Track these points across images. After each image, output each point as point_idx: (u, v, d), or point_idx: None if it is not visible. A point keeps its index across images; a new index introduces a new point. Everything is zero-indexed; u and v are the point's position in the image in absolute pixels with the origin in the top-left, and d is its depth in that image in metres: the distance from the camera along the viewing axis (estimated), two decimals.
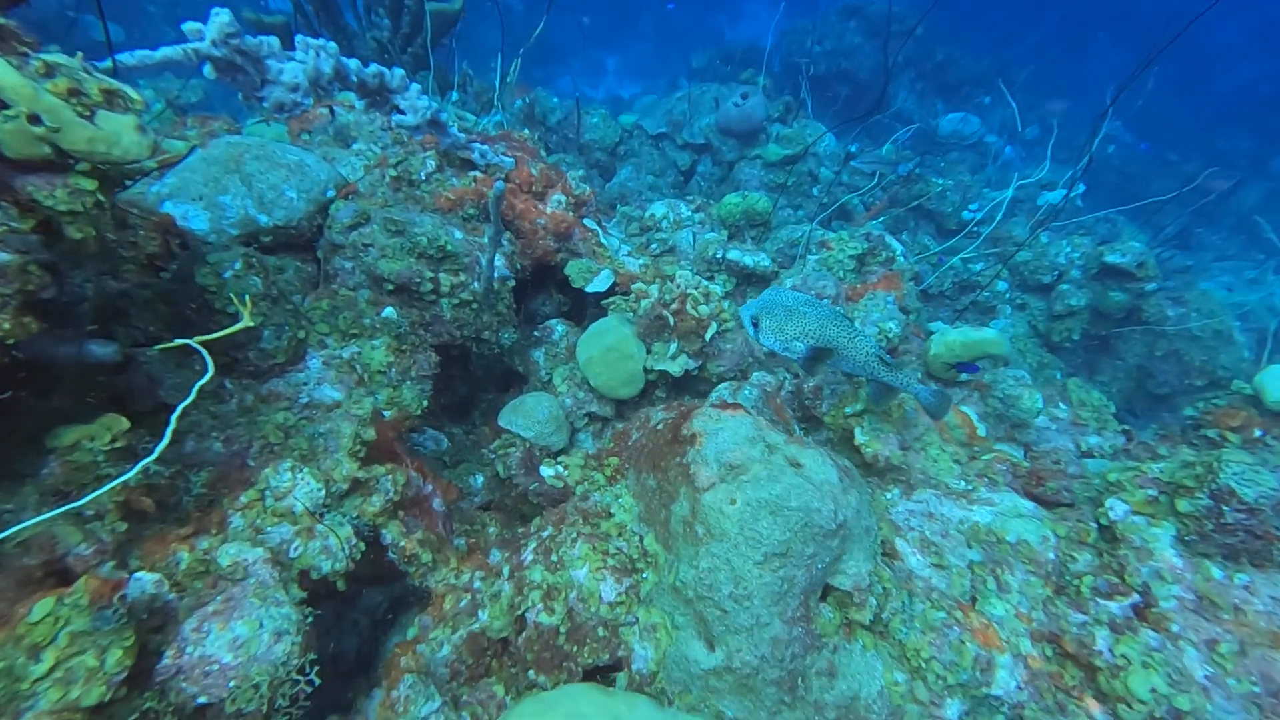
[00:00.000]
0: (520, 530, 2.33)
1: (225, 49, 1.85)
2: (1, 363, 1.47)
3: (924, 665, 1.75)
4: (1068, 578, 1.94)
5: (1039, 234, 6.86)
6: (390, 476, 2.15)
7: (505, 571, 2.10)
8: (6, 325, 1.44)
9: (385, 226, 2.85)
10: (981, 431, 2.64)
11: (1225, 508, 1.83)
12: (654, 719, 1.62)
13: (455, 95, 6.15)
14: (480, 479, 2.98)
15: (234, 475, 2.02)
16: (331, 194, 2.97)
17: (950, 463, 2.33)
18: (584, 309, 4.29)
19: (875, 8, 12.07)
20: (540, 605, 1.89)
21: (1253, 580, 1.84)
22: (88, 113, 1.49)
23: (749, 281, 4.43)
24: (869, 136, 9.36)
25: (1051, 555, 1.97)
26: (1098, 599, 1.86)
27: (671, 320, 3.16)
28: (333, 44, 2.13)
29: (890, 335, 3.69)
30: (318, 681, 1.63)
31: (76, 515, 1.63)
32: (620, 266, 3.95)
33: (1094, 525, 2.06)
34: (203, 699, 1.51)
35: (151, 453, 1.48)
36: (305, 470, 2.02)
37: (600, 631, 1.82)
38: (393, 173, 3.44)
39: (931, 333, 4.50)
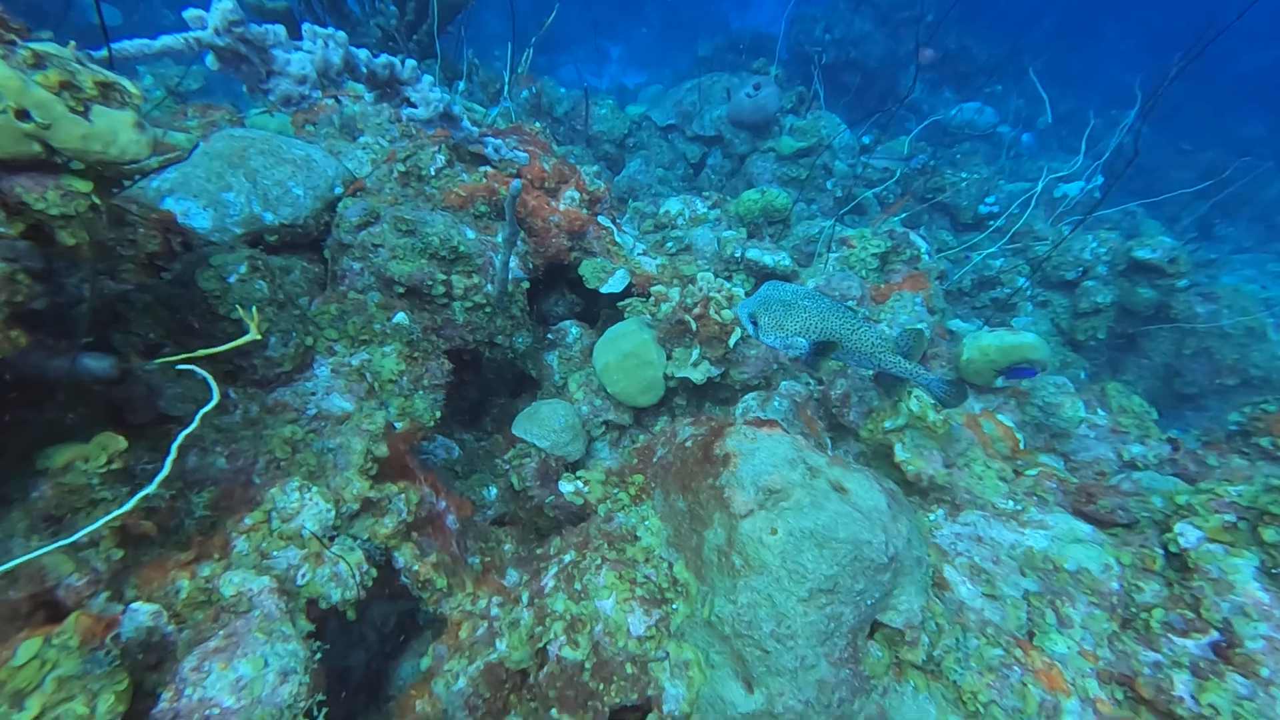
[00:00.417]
0: (539, 552, 2.21)
1: (229, 38, 1.71)
2: None
3: (982, 710, 1.63)
4: (1133, 610, 1.80)
5: (1062, 229, 6.67)
6: (403, 495, 2.03)
7: (524, 598, 1.98)
8: None
9: (395, 226, 2.71)
10: (1024, 444, 2.51)
11: None
12: None
13: (463, 85, 5.97)
14: (494, 490, 2.86)
15: (238, 494, 1.90)
16: (339, 191, 2.83)
17: (996, 480, 2.19)
18: (597, 309, 4.15)
19: None
20: (563, 638, 1.77)
21: None
22: (81, 108, 1.36)
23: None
24: (880, 127, 9.14)
25: (1115, 585, 1.83)
26: (1170, 636, 1.72)
27: (694, 325, 3.02)
28: (342, 33, 1.99)
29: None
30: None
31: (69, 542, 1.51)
32: (636, 266, 3.80)
33: (1160, 551, 1.92)
34: None
35: (150, 482, 1.35)
36: (314, 489, 1.90)
37: (628, 668, 1.70)
38: (401, 168, 3.29)
39: (953, 332, 4.35)
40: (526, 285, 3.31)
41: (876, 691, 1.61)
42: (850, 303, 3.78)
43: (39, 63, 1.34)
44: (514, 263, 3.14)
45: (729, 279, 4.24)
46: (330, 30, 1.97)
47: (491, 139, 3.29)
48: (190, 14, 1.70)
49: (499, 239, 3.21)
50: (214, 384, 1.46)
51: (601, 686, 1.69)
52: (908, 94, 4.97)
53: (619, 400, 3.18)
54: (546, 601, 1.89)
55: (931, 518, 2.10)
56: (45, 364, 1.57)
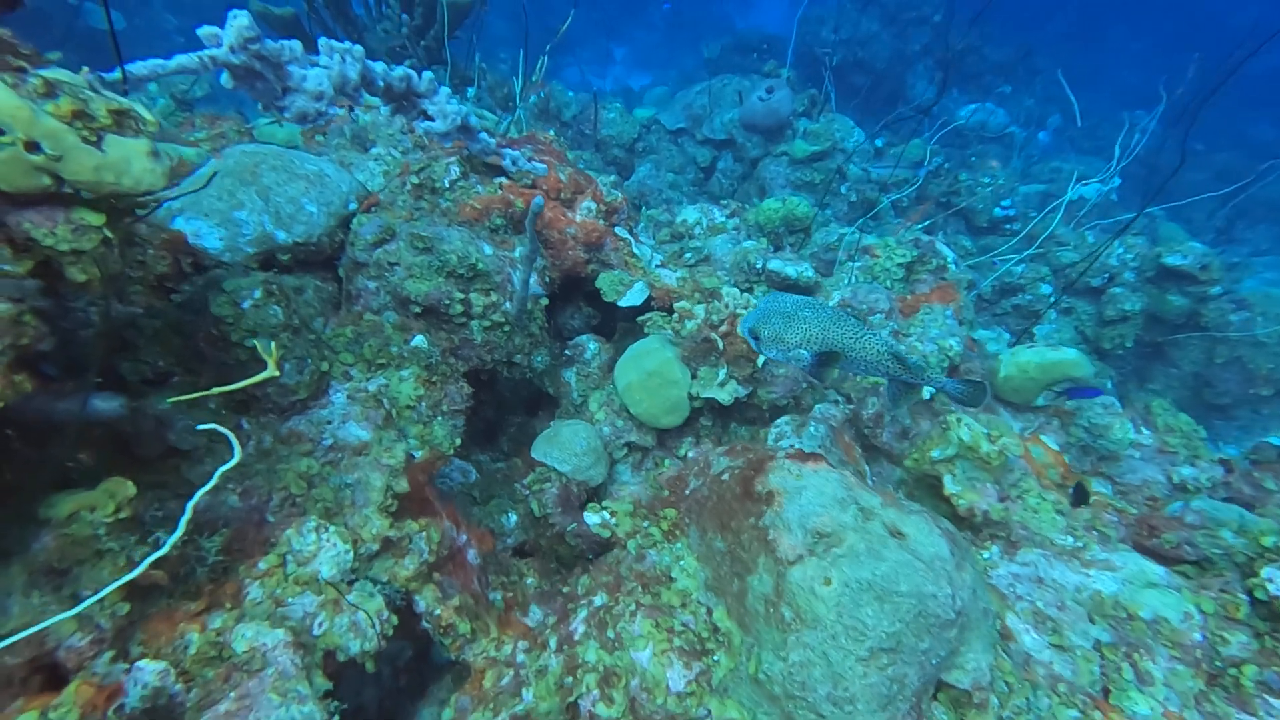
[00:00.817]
0: (566, 590, 2.10)
1: (244, 55, 1.60)
2: None
3: None
4: (1219, 664, 1.67)
5: (1085, 234, 6.50)
6: (424, 534, 1.92)
7: (552, 643, 1.87)
8: None
9: (412, 243, 2.60)
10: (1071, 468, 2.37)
11: None
12: None
13: (473, 92, 5.88)
14: (513, 517, 2.75)
15: (251, 535, 1.79)
16: (353, 206, 2.73)
17: (1053, 513, 2.06)
18: (614, 323, 4.03)
19: None
20: (596, 692, 1.65)
21: None
22: (94, 137, 1.26)
23: (790, 293, 4.15)
24: (890, 129, 8.99)
25: (1198, 636, 1.69)
26: (1267, 696, 1.59)
27: (720, 343, 2.90)
28: (359, 47, 1.88)
29: (951, 354, 3.41)
30: None
31: (71, 598, 1.41)
32: (655, 279, 3.68)
33: (1244, 598, 1.78)
34: None
35: (163, 544, 1.25)
36: (331, 529, 1.79)
37: None
38: (414, 180, 3.19)
39: (977, 343, 4.20)
40: (545, 301, 3.20)
41: None
42: (878, 316, 3.65)
43: (50, 91, 1.24)
44: (533, 279, 3.03)
45: (750, 291, 4.12)
46: (347, 45, 1.86)
47: (509, 151, 3.19)
48: (205, 31, 1.59)
49: (516, 254, 3.10)
50: (236, 442, 1.36)
51: None
52: (931, 104, 4.83)
53: (642, 421, 3.06)
54: (577, 650, 1.77)
55: (986, 556, 1.97)
56: (51, 407, 1.47)
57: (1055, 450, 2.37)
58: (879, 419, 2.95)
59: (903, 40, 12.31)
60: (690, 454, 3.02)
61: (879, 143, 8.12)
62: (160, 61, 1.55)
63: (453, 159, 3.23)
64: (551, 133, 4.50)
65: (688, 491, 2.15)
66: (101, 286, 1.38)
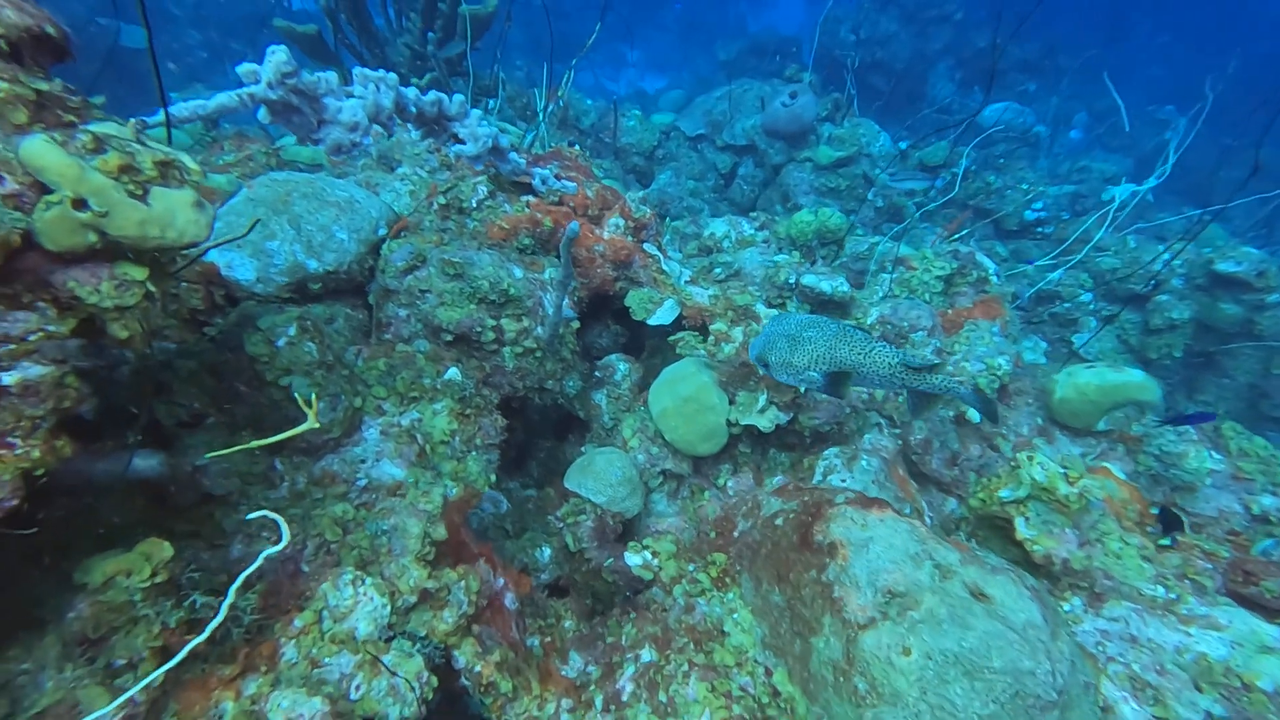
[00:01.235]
0: (610, 640, 1.99)
1: (282, 90, 1.54)
2: (25, 498, 1.17)
3: None
4: None
5: (1128, 239, 6.24)
6: (463, 583, 1.82)
7: (598, 702, 1.76)
8: (36, 454, 1.14)
9: (443, 269, 2.52)
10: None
11: None
12: None
13: (494, 104, 5.83)
14: (548, 551, 2.65)
15: (286, 588, 1.72)
16: (383, 232, 2.66)
17: (1138, 560, 1.89)
18: (642, 341, 3.93)
19: None
20: None
21: None
22: (140, 191, 1.19)
23: (825, 309, 4.01)
24: (911, 131, 8.75)
25: None
26: None
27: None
28: (392, 75, 1.81)
29: (1000, 373, 3.24)
30: None
31: (105, 669, 1.34)
32: (686, 297, 3.57)
33: None
34: None
35: (201, 632, 1.17)
36: (368, 581, 1.71)
37: None
38: (442, 200, 3.12)
39: (1029, 364, 4.01)
40: (576, 325, 3.11)
41: None
42: (920, 334, 3.49)
43: (99, 146, 1.18)
44: (565, 301, 2.94)
45: (782, 307, 3.99)
46: (380, 73, 1.79)
47: (538, 170, 3.10)
48: (244, 69, 1.53)
49: (545, 275, 3.01)
50: (284, 526, 1.28)
51: None
52: (966, 121, 4.65)
53: (677, 448, 2.95)
54: (626, 714, 1.66)
55: (1067, 609, 1.81)
56: (91, 469, 1.40)
57: (1130, 483, 2.19)
58: (927, 445, 2.80)
59: (923, 39, 12.03)
60: (729, 483, 2.90)
61: (903, 145, 7.92)
62: (201, 101, 1.49)
63: (480, 179, 3.16)
64: (576, 147, 4.41)
65: (736, 534, 2.03)
66: (143, 343, 1.32)
